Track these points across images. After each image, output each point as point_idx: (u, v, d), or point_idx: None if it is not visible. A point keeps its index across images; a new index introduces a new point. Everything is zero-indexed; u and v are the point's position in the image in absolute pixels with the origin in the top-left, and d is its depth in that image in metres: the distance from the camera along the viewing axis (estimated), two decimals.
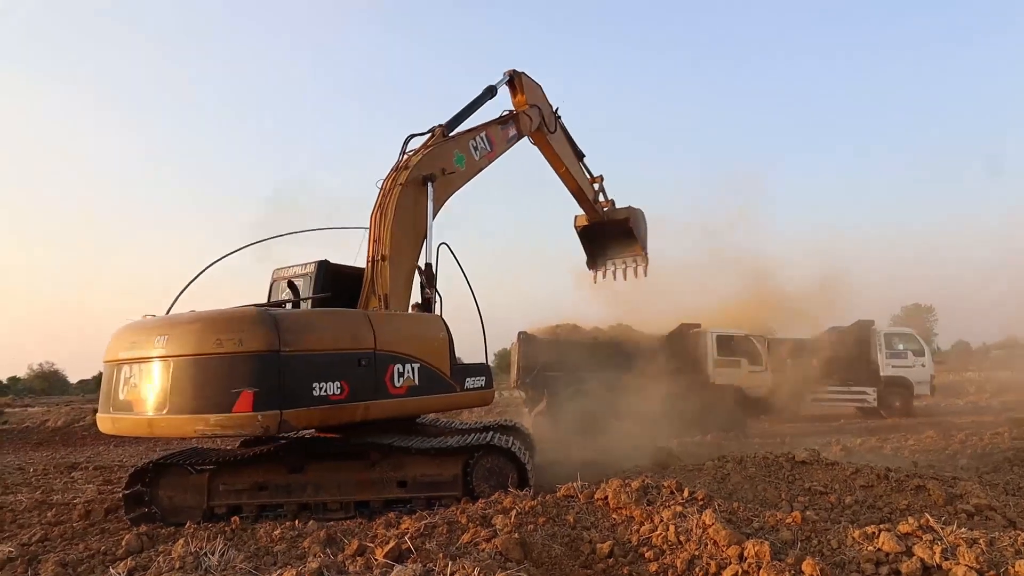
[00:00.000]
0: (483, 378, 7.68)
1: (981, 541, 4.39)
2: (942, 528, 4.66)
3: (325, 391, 6.30)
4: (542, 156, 12.53)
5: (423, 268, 8.36)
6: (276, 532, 5.80)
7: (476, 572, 3.81)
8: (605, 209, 14.09)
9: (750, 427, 16.61)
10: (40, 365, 67.51)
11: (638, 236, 14.13)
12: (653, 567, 4.62)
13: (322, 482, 7.21)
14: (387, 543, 4.95)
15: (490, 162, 10.32)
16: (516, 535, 4.93)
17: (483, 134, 10.13)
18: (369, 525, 6.07)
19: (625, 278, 14.73)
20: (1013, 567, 3.99)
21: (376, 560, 4.68)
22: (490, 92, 10.80)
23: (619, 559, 4.82)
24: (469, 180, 9.99)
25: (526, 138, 11.60)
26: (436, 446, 7.16)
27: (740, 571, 4.31)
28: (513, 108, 11.36)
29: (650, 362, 16.53)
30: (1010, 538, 4.45)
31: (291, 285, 7.74)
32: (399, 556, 4.75)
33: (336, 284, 7.96)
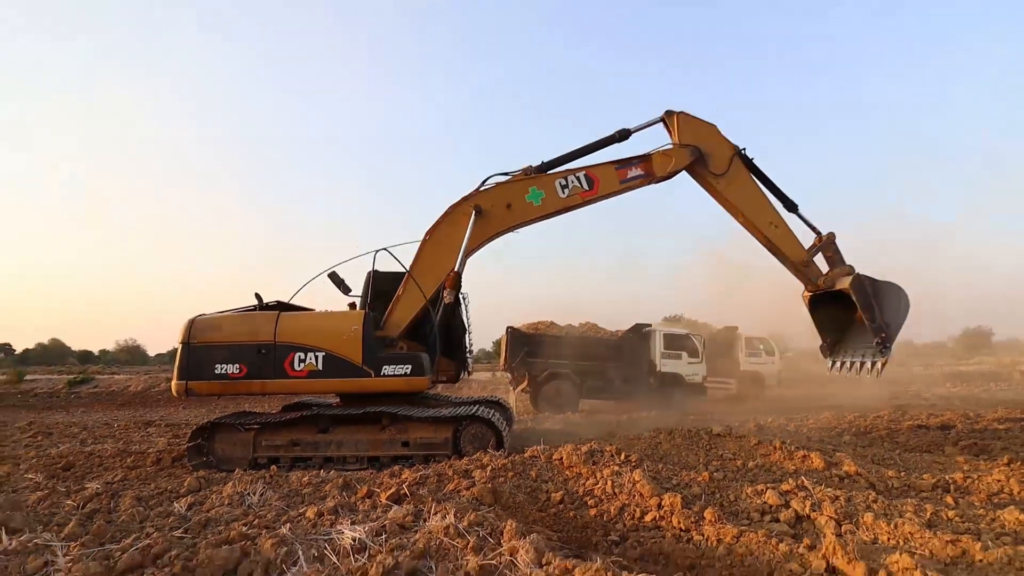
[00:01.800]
0: (408, 366, 7.31)
1: (841, 498, 4.60)
2: (813, 487, 4.87)
3: (226, 370, 7.18)
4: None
5: (333, 276, 7.96)
6: (305, 479, 5.96)
7: (453, 511, 3.98)
8: (819, 279, 9.01)
9: (688, 407, 16.79)
10: (125, 340, 67.24)
11: (869, 318, 8.30)
12: (593, 512, 4.78)
13: (343, 441, 7.39)
14: (390, 489, 5.13)
15: (588, 201, 8.63)
16: (489, 485, 5.10)
17: (582, 173, 8.57)
18: (378, 475, 6.24)
19: (859, 373, 8.83)
20: (862, 517, 4.20)
21: (380, 502, 4.85)
22: (620, 136, 8.84)
23: (567, 505, 4.97)
24: (548, 216, 8.58)
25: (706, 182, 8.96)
26: (433, 415, 7.34)
27: (658, 516, 4.49)
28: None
29: (611, 353, 16.75)
30: (863, 496, 4.66)
31: (332, 277, 7.89)
32: (398, 499, 4.93)
33: (387, 286, 8.19)
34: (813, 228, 9.20)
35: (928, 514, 4.37)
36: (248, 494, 5.34)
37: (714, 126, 8.96)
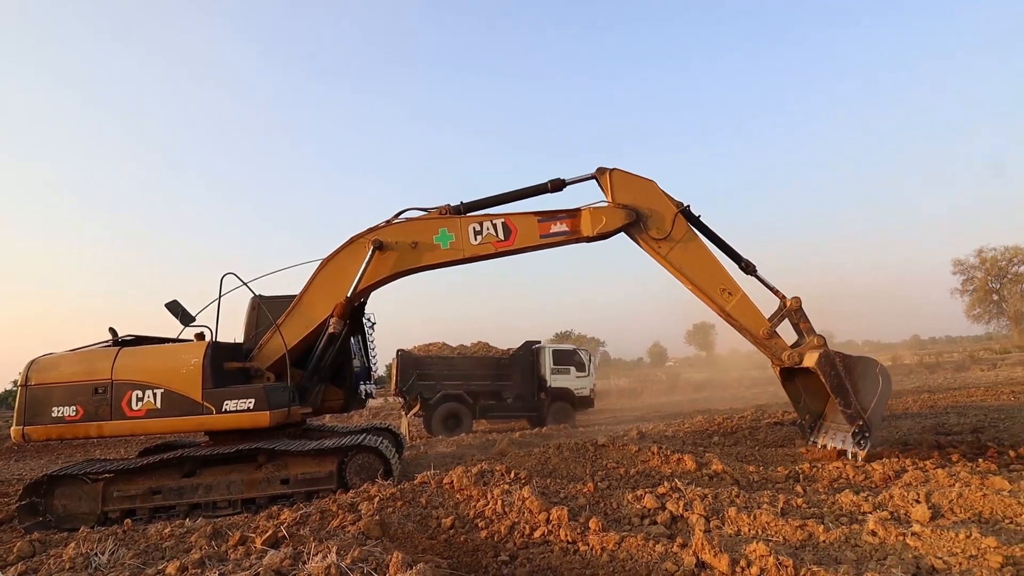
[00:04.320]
0: (251, 400, 6.77)
1: (709, 496, 4.99)
2: (685, 488, 5.24)
3: (62, 413, 6.64)
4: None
5: (172, 305, 7.42)
6: (166, 530, 5.33)
7: (335, 550, 3.78)
8: (784, 354, 7.74)
9: (576, 419, 17.38)
10: None
11: (842, 403, 7.06)
12: (484, 533, 4.76)
13: (213, 483, 6.77)
14: (266, 532, 4.74)
15: (501, 252, 7.89)
16: (377, 517, 4.89)
17: (500, 221, 7.84)
18: (253, 519, 5.74)
19: (837, 455, 7.49)
20: (727, 512, 4.58)
21: (255, 548, 4.47)
22: (553, 186, 8.08)
23: (459, 529, 4.91)
24: (456, 263, 7.96)
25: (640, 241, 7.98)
26: (315, 448, 6.95)
27: (547, 531, 4.58)
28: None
29: (502, 372, 16.94)
30: (728, 492, 5.10)
31: (170, 306, 7.28)
32: (275, 542, 4.58)
33: (274, 312, 7.68)
34: (776, 292, 8.01)
35: (781, 503, 4.88)
36: (95, 554, 4.68)
37: (653, 183, 8.03)
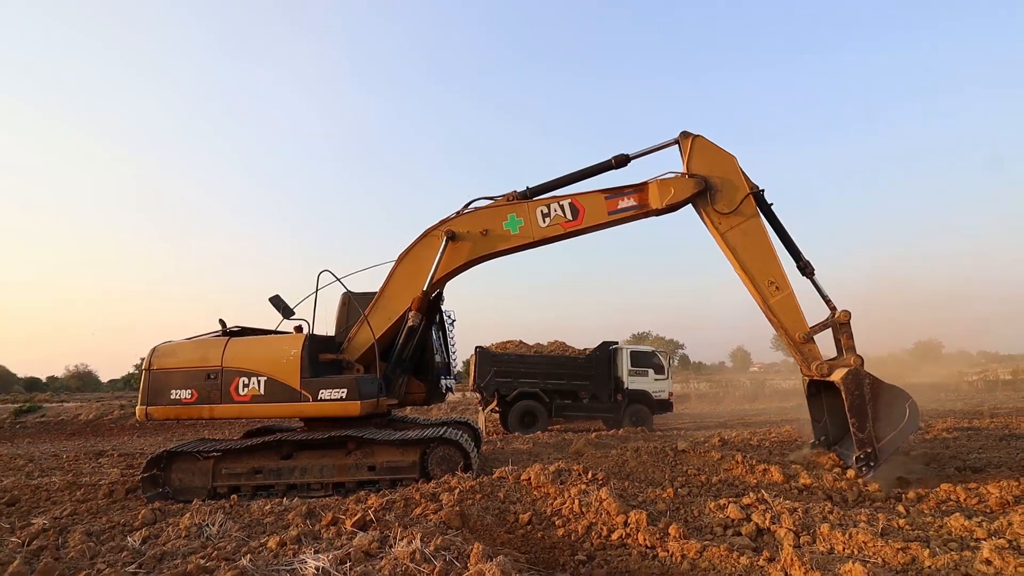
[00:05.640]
0: (344, 390, 7.14)
1: (799, 510, 4.74)
2: (772, 500, 5.00)
3: (179, 396, 7.26)
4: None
5: (275, 299, 7.74)
6: (267, 507, 5.79)
7: (419, 536, 3.94)
8: (815, 363, 7.34)
9: (654, 423, 16.99)
10: (75, 366, 64.36)
11: (857, 425, 6.68)
12: (560, 532, 4.79)
13: (308, 467, 7.24)
14: (355, 515, 5.04)
15: (571, 233, 7.89)
16: (457, 508, 5.06)
17: (566, 202, 7.85)
18: (343, 501, 6.10)
19: (843, 477, 6.73)
20: (819, 528, 4.33)
21: (345, 529, 4.76)
22: (618, 162, 8.01)
23: (536, 526, 4.97)
24: (528, 247, 8.05)
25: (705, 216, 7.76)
26: (400, 438, 7.25)
27: (624, 534, 4.54)
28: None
29: (579, 372, 16.85)
30: (820, 508, 4.82)
31: (273, 300, 7.79)
32: (364, 525, 4.85)
33: (364, 307, 8.15)
34: (828, 301, 7.68)
35: (881, 523, 4.54)
36: (207, 525, 5.16)
37: (733, 157, 7.75)
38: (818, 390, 7.88)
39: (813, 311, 7.58)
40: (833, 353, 7.52)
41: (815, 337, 7.44)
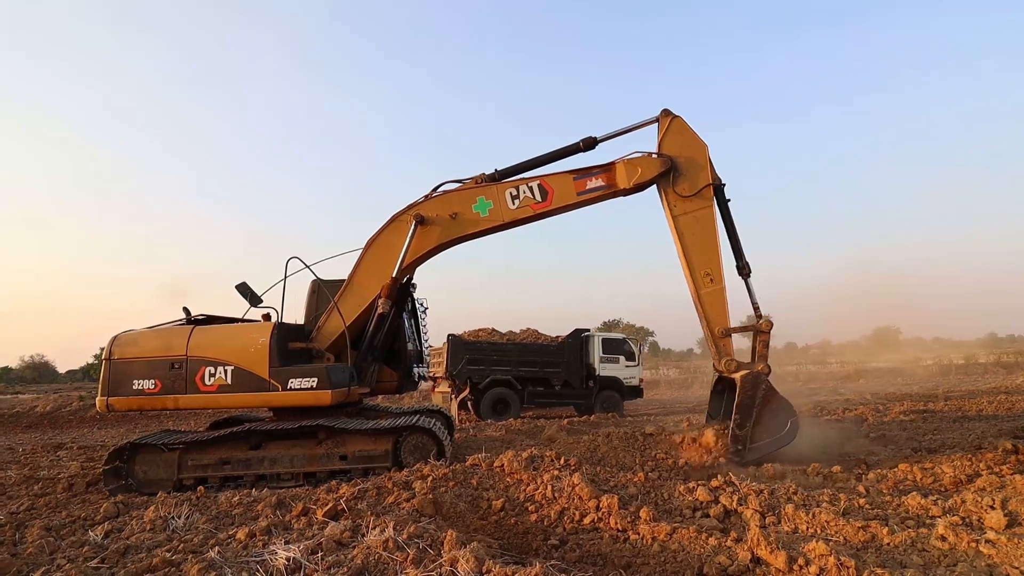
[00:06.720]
0: (314, 379, 7.04)
1: (765, 491, 4.87)
2: (740, 483, 5.12)
3: (142, 386, 7.07)
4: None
5: (241, 287, 7.59)
6: (235, 499, 5.69)
7: (392, 525, 3.92)
8: (724, 360, 7.56)
9: (625, 409, 17.24)
10: (31, 357, 61.92)
11: (738, 422, 6.99)
12: (534, 517, 4.82)
13: (277, 457, 7.12)
14: (326, 505, 4.97)
15: (540, 214, 7.94)
16: (430, 496, 5.04)
17: (535, 183, 7.85)
18: (314, 491, 6.02)
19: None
20: (784, 509, 4.46)
21: (316, 519, 4.71)
22: (586, 144, 8.01)
23: (509, 512, 4.99)
24: (497, 229, 8.08)
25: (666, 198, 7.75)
26: (372, 427, 7.19)
27: (596, 518, 4.60)
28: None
29: (551, 359, 16.95)
30: (784, 489, 4.96)
31: (240, 288, 7.61)
32: (335, 515, 4.79)
33: (334, 295, 7.95)
34: (756, 307, 7.92)
35: (842, 503, 4.71)
36: (172, 517, 5.04)
37: (705, 145, 7.80)
38: (724, 389, 8.11)
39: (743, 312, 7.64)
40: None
41: (734, 337, 7.65)
